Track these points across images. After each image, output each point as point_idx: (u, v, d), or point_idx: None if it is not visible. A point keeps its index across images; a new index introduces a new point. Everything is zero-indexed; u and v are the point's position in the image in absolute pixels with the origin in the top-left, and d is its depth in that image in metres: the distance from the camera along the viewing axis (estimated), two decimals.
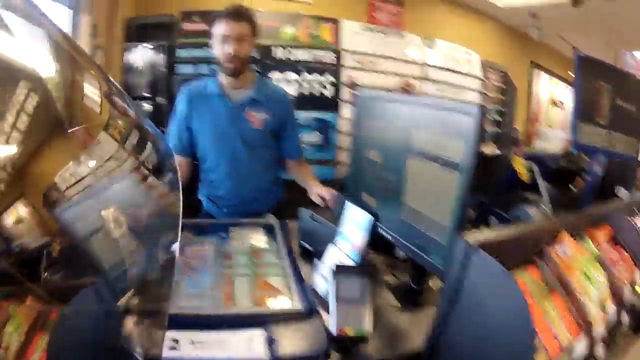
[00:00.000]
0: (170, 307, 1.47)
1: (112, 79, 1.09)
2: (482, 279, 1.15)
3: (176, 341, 1.35)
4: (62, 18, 4.73)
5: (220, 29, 2.28)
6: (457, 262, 1.21)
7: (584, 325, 1.27)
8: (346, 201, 1.86)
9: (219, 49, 2.31)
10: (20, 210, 0.70)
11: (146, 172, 1.04)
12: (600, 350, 1.32)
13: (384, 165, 1.88)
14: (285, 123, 2.55)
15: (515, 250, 1.34)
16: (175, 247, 1.04)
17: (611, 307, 1.41)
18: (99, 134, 0.92)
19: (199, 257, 1.86)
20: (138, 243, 0.97)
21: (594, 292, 1.35)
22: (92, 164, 0.86)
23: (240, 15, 2.29)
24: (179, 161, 2.45)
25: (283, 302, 1.55)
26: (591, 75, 2.45)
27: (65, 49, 0.93)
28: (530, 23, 7.19)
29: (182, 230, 1.95)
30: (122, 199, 0.93)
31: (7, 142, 0.66)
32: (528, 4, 6.59)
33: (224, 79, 2.44)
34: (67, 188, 0.79)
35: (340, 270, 1.44)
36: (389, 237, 1.80)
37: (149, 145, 1.07)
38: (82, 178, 0.82)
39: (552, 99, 9.00)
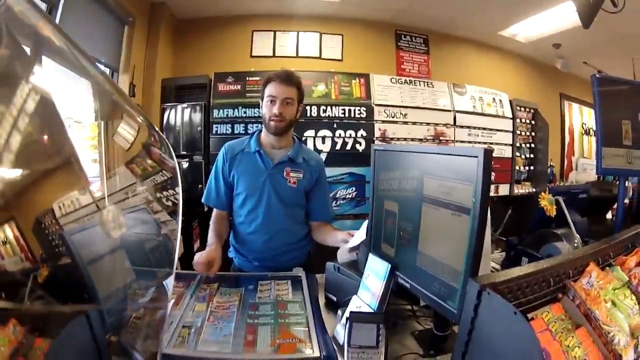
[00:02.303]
0: (190, 352, 1.52)
1: (155, 127, 1.15)
2: (494, 319, 1.16)
3: None
4: None
5: (270, 90, 2.42)
6: (470, 304, 1.21)
7: (613, 358, 1.23)
8: (369, 253, 1.90)
9: (266, 109, 2.44)
10: (7, 232, 0.72)
11: (158, 208, 1.07)
12: None
13: (400, 214, 1.91)
14: (317, 185, 2.65)
15: (536, 288, 1.32)
16: (169, 283, 1.05)
17: None
18: (119, 167, 0.96)
19: (226, 308, 1.92)
20: (132, 275, 0.99)
21: (623, 320, 1.31)
22: (98, 193, 0.89)
23: (290, 80, 2.43)
24: (220, 215, 2.62)
25: (303, 349, 1.56)
26: (611, 96, 2.42)
27: (106, 92, 0.98)
28: (554, 54, 7.17)
29: (212, 282, 1.99)
30: (124, 229, 0.96)
31: (10, 163, 0.69)
32: (550, 36, 6.56)
33: (265, 137, 2.57)
34: (64, 215, 0.82)
35: (354, 317, 1.45)
36: (407, 285, 1.79)
37: (172, 187, 1.12)
38: (83, 207, 0.87)
39: (584, 128, 8.85)
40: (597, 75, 2.56)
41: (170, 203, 1.14)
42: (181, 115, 5.51)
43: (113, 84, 1.02)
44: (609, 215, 3.50)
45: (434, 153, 1.72)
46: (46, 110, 0.80)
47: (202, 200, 2.64)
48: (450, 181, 1.53)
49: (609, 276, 1.42)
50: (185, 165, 5.44)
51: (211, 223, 2.57)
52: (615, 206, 3.04)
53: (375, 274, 1.77)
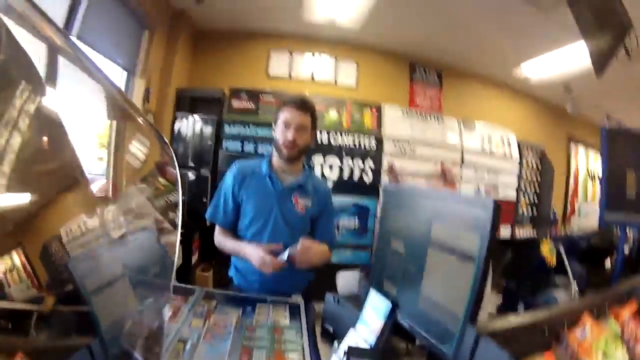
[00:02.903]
0: None
1: (165, 141, 1.16)
2: None
3: None
4: (116, 78, 4.95)
5: (285, 115, 2.44)
6: (466, 350, 1.23)
7: None
8: (370, 288, 1.93)
9: (280, 134, 2.46)
10: (14, 259, 0.71)
11: (166, 229, 1.08)
12: None
13: (406, 254, 1.94)
14: (323, 213, 2.66)
15: (531, 336, 1.34)
16: (166, 310, 1.06)
17: None
18: (130, 186, 0.97)
19: (223, 326, 1.92)
20: (134, 304, 0.99)
21: None
22: (108, 215, 0.90)
23: (305, 106, 2.46)
24: (224, 232, 2.61)
25: None
26: (619, 147, 2.45)
27: (116, 107, 0.99)
28: (564, 97, 7.17)
29: (211, 298, 2.00)
30: (130, 256, 0.96)
31: (18, 189, 0.69)
32: (561, 78, 6.59)
33: (276, 161, 2.58)
34: (71, 240, 0.81)
35: (352, 352, 1.46)
36: (405, 325, 1.81)
37: (176, 207, 1.13)
38: (90, 231, 0.86)
39: (590, 172, 8.84)
40: (607, 127, 2.59)
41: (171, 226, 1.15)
42: (192, 126, 5.51)
43: (124, 96, 1.02)
44: (608, 265, 3.51)
45: (444, 199, 1.76)
46: (54, 129, 0.80)
47: (207, 216, 2.64)
48: (458, 229, 1.57)
49: (603, 328, 1.44)
50: (191, 177, 5.45)
51: (221, 236, 2.58)
52: (614, 255, 3.06)
53: (375, 310, 1.79)
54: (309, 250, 2.27)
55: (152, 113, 5.33)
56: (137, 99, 5.07)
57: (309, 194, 2.57)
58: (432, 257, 1.73)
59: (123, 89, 4.96)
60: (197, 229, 5.17)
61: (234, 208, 2.57)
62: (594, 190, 8.89)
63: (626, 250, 3.11)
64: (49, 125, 0.79)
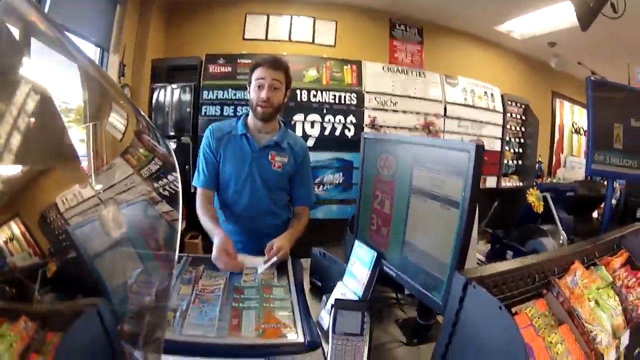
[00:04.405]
0: (176, 335, 1.51)
1: (142, 113, 1.13)
2: (478, 312, 1.15)
3: None
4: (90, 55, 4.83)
5: (258, 74, 2.44)
6: (455, 296, 1.21)
7: (594, 357, 1.23)
8: (355, 240, 1.90)
9: (254, 94, 2.45)
10: (13, 228, 0.70)
11: (157, 199, 1.07)
12: None
13: (388, 204, 1.92)
14: (301, 170, 2.70)
15: (520, 283, 1.32)
16: (171, 274, 1.05)
17: (625, 334, 1.37)
18: (114, 158, 0.95)
19: (211, 291, 1.91)
20: (138, 267, 0.99)
21: (606, 320, 1.32)
22: (99, 186, 0.88)
23: (278, 65, 2.45)
24: (207, 196, 2.58)
25: (287, 334, 1.56)
26: (604, 99, 2.43)
27: (94, 79, 0.97)
28: (549, 52, 7.17)
29: (197, 264, 1.98)
30: (125, 222, 0.95)
31: (11, 161, 0.68)
32: (546, 34, 6.55)
33: (252, 121, 2.59)
34: (68, 209, 0.81)
35: (339, 304, 1.44)
36: (392, 274, 1.81)
37: (165, 174, 1.11)
38: (85, 200, 0.86)
39: (574, 127, 8.89)
40: (592, 78, 2.57)
41: (167, 192, 1.13)
42: (171, 96, 5.51)
43: (99, 69, 1.00)
44: (595, 215, 3.53)
45: (424, 145, 1.73)
46: (44, 105, 0.79)
47: (193, 183, 2.64)
48: (440, 174, 1.54)
49: (594, 275, 1.42)
50: (173, 146, 5.40)
51: (201, 209, 2.52)
52: (602, 206, 3.07)
53: (361, 262, 1.77)
54: (283, 250, 2.24)
55: (128, 87, 5.29)
56: (112, 74, 4.98)
57: (285, 151, 2.58)
58: (415, 205, 1.71)
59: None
60: (182, 197, 5.12)
61: (214, 168, 2.57)
62: (579, 144, 8.95)
63: (613, 201, 3.12)
64: (38, 97, 0.76)
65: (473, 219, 1.41)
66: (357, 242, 1.86)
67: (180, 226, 1.20)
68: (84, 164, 0.88)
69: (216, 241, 2.20)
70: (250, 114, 2.56)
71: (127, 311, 0.93)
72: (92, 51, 4.84)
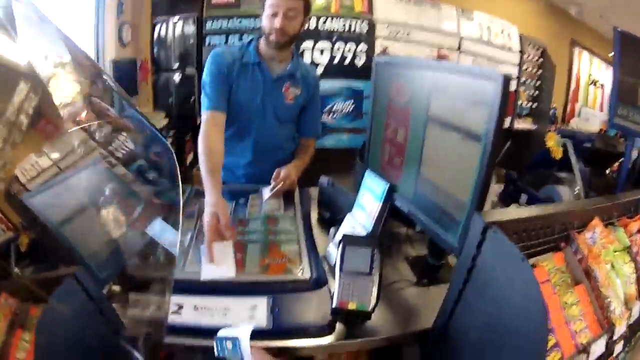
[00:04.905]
0: (177, 272, 1.48)
1: (104, 76, 1.09)
2: (497, 260, 1.08)
3: (180, 306, 1.34)
4: None
5: (271, 1, 2.19)
6: (473, 240, 1.14)
7: (607, 325, 1.19)
8: (365, 170, 1.81)
9: (267, 21, 2.22)
10: None
11: (114, 161, 1.04)
12: (618, 347, 1.25)
13: (402, 133, 1.80)
14: (311, 102, 2.56)
15: (540, 232, 1.26)
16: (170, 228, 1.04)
17: (636, 305, 1.31)
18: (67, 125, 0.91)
19: None
20: (116, 228, 0.97)
21: (620, 287, 1.26)
22: (55, 155, 0.85)
23: None
24: (218, 118, 2.30)
25: (292, 270, 1.53)
26: (631, 53, 2.33)
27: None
28: (569, 1, 6.90)
29: (202, 195, 1.90)
30: (89, 186, 0.96)
31: None
32: None
33: (264, 49, 2.37)
34: (29, 180, 0.80)
35: (347, 240, 1.37)
36: (405, 209, 1.72)
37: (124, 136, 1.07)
38: (45, 169, 0.85)
39: (592, 79, 8.72)
40: (620, 30, 2.46)
41: (120, 154, 1.10)
42: (173, 28, 5.44)
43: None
44: (608, 171, 3.47)
45: (445, 70, 1.58)
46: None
47: (203, 109, 2.33)
48: (461, 103, 1.42)
49: (611, 236, 1.34)
50: (177, 79, 5.45)
51: (205, 142, 2.16)
52: (617, 163, 2.99)
53: (372, 193, 1.68)
54: (289, 178, 2.19)
55: (129, 24, 5.12)
56: (109, 12, 4.83)
57: (298, 83, 2.43)
58: (432, 135, 1.59)
59: (94, 4, 4.75)
60: (188, 130, 5.26)
61: (226, 90, 2.35)
62: (595, 96, 8.78)
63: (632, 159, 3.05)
64: None
65: (496, 155, 1.29)
66: (367, 172, 1.78)
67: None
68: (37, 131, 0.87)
69: (210, 203, 1.81)
70: (263, 40, 2.35)
71: (111, 274, 0.93)
72: None
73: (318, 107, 2.67)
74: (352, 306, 1.29)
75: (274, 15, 2.17)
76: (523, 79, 6.46)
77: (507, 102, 1.24)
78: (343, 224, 1.74)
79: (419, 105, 1.65)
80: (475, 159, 1.32)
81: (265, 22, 2.23)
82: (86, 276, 0.85)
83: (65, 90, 0.95)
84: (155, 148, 1.29)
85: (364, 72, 5.36)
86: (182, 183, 2.09)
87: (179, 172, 1.13)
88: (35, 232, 0.82)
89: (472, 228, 1.16)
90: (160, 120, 4.91)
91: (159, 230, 1.05)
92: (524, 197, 2.47)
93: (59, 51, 1.00)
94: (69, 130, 0.94)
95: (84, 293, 0.84)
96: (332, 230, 1.82)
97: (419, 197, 1.65)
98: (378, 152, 2.01)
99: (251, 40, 2.42)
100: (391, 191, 1.65)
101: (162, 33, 5.52)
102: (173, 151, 1.17)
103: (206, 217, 1.73)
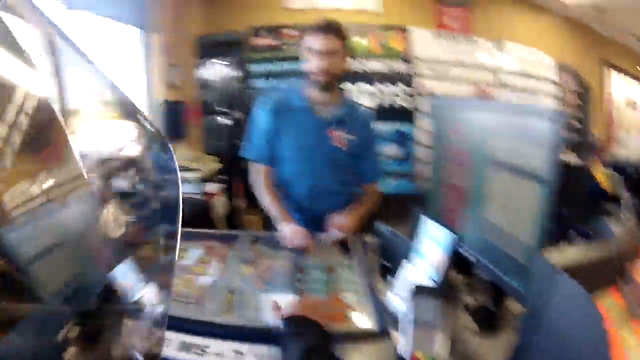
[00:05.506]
0: (235, 319, 1.51)
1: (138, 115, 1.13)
2: (564, 304, 1.09)
3: (240, 353, 1.36)
4: (133, 38, 4.93)
5: (311, 42, 2.24)
6: (539, 283, 1.16)
7: None
8: (424, 217, 1.78)
9: (310, 63, 2.26)
10: None
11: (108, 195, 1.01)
12: None
13: (463, 176, 1.80)
14: (368, 145, 2.50)
15: (598, 270, 1.28)
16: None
17: None
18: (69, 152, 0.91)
19: (274, 270, 1.88)
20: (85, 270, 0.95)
21: None
22: (48, 184, 0.82)
23: (332, 29, 2.23)
24: (267, 171, 2.45)
25: (354, 320, 1.53)
26: None
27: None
28: (598, 18, 6.84)
29: (258, 243, 1.95)
30: (73, 222, 0.91)
31: None
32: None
33: (312, 92, 2.38)
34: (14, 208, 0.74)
35: (419, 291, 1.37)
36: (467, 255, 1.71)
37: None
38: (32, 198, 0.79)
39: (627, 100, 8.48)
40: None
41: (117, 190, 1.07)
42: (217, 72, 5.60)
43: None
44: None
45: (500, 110, 1.62)
46: None
47: (243, 154, 2.50)
48: (518, 142, 1.43)
49: None
50: (224, 122, 5.57)
51: (262, 188, 2.43)
52: None
53: (435, 242, 1.64)
54: (345, 227, 2.22)
55: (175, 65, 5.29)
56: (156, 54, 5.03)
57: (350, 126, 2.39)
58: (493, 178, 1.59)
59: (139, 46, 4.98)
60: (240, 173, 5.16)
61: (270, 142, 2.42)
62: (632, 120, 8.55)
63: None
64: None
65: (556, 194, 1.28)
66: (428, 220, 1.74)
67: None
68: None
69: (285, 233, 2.16)
70: (309, 84, 2.36)
71: (71, 315, 0.85)
72: (135, 33, 4.90)
73: (375, 150, 2.61)
74: (423, 358, 1.28)
75: (316, 56, 2.22)
76: (562, 109, 6.35)
77: (561, 139, 1.26)
78: (403, 272, 1.70)
79: (478, 146, 1.66)
80: (536, 199, 1.33)
81: (308, 64, 2.27)
82: (46, 315, 0.82)
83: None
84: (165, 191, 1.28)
85: (407, 114, 5.44)
86: (233, 228, 2.16)
87: (179, 228, 1.12)
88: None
89: (537, 271, 1.18)
90: (212, 164, 4.96)
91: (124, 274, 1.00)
92: (573, 233, 2.45)
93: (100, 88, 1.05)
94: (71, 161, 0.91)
95: (39, 334, 0.80)
96: (391, 279, 1.78)
97: (480, 241, 1.65)
98: (438, 197, 2.00)
99: (299, 84, 2.45)
100: (456, 239, 1.62)
101: (207, 76, 5.66)
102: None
103: (285, 234, 2.12)
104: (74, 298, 0.88)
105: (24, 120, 0.77)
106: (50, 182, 0.83)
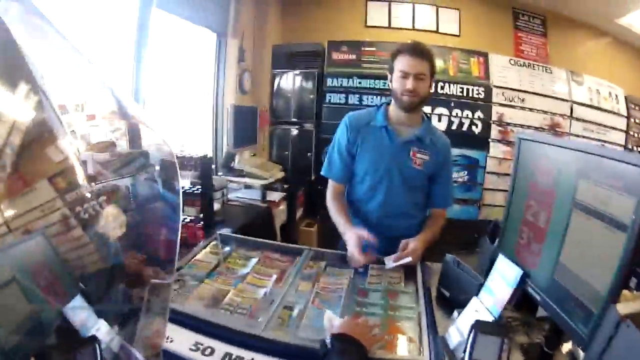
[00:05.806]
0: (289, 337, 1.50)
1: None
2: (627, 355, 1.07)
3: None
4: (209, 42, 5.10)
5: (402, 64, 2.28)
6: (605, 332, 1.13)
7: None
8: (497, 252, 1.79)
9: (397, 83, 2.31)
10: None
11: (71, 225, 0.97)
12: None
13: (545, 216, 1.73)
14: (442, 169, 2.52)
15: None
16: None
17: None
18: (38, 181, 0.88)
19: (332, 290, 1.87)
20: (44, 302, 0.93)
21: None
22: (10, 213, 0.84)
23: (423, 53, 2.28)
24: (338, 189, 2.56)
25: (411, 351, 1.51)
26: None
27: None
28: None
29: (319, 259, 1.95)
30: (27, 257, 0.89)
31: None
32: None
33: (394, 112, 2.45)
34: None
35: (479, 327, 1.36)
36: (535, 295, 1.64)
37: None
38: None
39: None
40: None
41: (87, 215, 1.01)
42: (292, 82, 5.65)
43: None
44: None
45: (594, 153, 1.54)
46: None
47: (322, 172, 2.58)
48: (609, 190, 1.35)
49: None
50: (295, 132, 5.60)
51: (332, 200, 2.52)
52: None
53: (503, 278, 1.64)
54: (417, 252, 2.19)
55: (249, 71, 5.41)
56: (231, 59, 5.15)
57: (427, 148, 2.42)
58: (577, 222, 1.51)
59: (216, 51, 5.13)
60: (302, 184, 5.30)
61: (348, 162, 2.49)
62: None
63: None
64: None
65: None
66: (500, 256, 1.74)
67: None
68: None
69: (349, 238, 2.22)
70: (392, 104, 2.43)
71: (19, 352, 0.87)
72: (212, 38, 5.06)
73: (449, 176, 2.62)
74: None
75: (405, 77, 2.26)
76: (630, 146, 6.12)
77: None
78: (468, 307, 1.67)
79: (565, 188, 1.60)
80: (618, 249, 1.27)
81: (396, 84, 2.32)
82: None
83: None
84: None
85: (480, 141, 5.38)
86: (291, 240, 2.18)
87: (176, 258, 1.12)
88: None
89: (606, 320, 1.15)
90: (276, 172, 4.98)
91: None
92: (633, 280, 2.35)
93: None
94: (37, 189, 0.89)
95: None
96: (455, 312, 1.75)
97: (552, 284, 1.58)
98: (514, 234, 1.92)
99: (383, 104, 2.50)
100: (525, 278, 1.62)
101: (282, 85, 5.74)
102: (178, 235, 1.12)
103: (349, 243, 2.19)
104: (32, 333, 0.89)
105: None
106: (12, 211, 0.85)
